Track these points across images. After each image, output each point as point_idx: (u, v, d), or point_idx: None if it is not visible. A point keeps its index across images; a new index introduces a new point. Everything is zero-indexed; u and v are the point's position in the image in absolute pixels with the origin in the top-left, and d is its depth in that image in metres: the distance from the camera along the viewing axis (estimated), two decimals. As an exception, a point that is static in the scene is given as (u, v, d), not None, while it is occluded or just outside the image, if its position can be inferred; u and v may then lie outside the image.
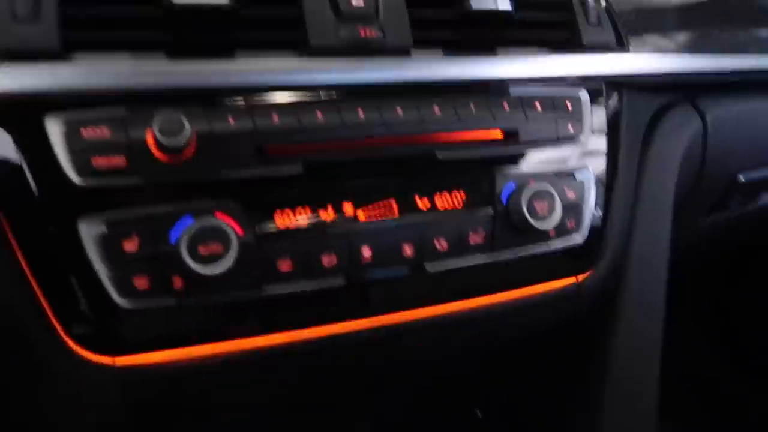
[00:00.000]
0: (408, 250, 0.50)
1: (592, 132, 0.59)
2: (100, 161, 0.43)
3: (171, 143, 0.42)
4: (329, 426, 0.75)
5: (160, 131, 0.42)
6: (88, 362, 0.45)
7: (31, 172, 0.42)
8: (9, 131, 0.42)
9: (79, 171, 0.42)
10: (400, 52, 0.52)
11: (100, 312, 0.44)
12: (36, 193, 0.43)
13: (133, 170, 0.43)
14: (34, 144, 0.42)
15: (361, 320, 0.50)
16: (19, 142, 0.42)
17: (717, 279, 1.38)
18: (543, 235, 0.54)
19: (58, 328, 0.45)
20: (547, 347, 0.70)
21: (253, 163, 0.46)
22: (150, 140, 0.43)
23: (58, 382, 0.46)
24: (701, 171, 0.74)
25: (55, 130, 0.42)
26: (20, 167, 0.42)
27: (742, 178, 0.82)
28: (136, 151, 0.43)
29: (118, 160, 0.43)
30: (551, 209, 0.52)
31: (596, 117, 0.60)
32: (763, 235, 1.12)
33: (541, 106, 0.56)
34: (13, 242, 0.43)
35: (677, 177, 0.68)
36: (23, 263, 0.43)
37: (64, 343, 0.45)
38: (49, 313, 0.44)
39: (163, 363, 0.46)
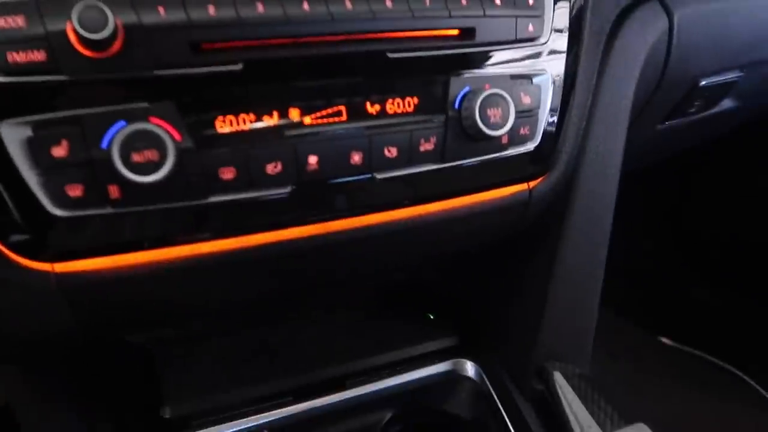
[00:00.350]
0: (356, 158, 0.48)
1: (554, 32, 0.56)
2: (17, 56, 0.39)
3: (93, 36, 0.38)
4: (272, 339, 0.77)
5: (80, 23, 0.38)
6: (27, 269, 0.44)
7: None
8: None
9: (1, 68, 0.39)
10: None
11: (35, 221, 0.42)
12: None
13: (55, 66, 0.40)
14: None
15: (309, 227, 0.50)
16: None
17: (668, 181, 1.42)
18: (495, 143, 0.53)
19: (-9, 234, 0.43)
20: (497, 250, 0.72)
21: (188, 60, 0.43)
22: (71, 33, 0.39)
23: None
24: (663, 75, 0.72)
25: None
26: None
27: (704, 82, 0.81)
28: (57, 45, 0.39)
29: (38, 55, 0.39)
30: (505, 116, 0.51)
31: (559, 15, 0.57)
32: (715, 137, 1.14)
33: (501, 2, 0.53)
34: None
35: (638, 81, 0.67)
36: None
37: (1, 251, 0.43)
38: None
39: (103, 269, 0.46)
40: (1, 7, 0.38)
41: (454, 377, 0.75)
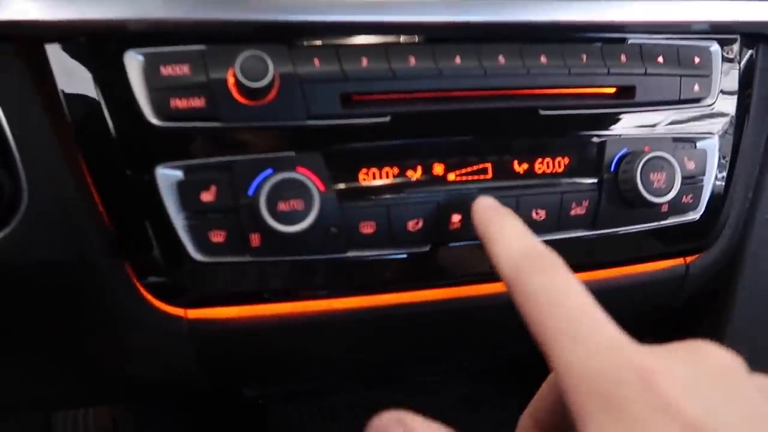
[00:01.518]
0: (502, 218, 0.45)
1: (721, 93, 0.51)
2: (178, 102, 0.40)
3: (253, 85, 0.39)
4: (398, 396, 0.73)
5: (242, 72, 0.38)
6: (161, 312, 0.44)
7: (110, 112, 0.40)
8: (89, 67, 0.40)
9: (158, 112, 0.40)
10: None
11: (175, 264, 0.42)
12: (114, 135, 0.40)
13: (213, 113, 0.40)
14: (112, 81, 0.40)
15: (447, 289, 0.47)
16: (98, 80, 0.40)
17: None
18: (654, 211, 0.48)
19: (133, 276, 0.43)
20: (643, 333, 0.64)
21: (338, 112, 0.42)
22: (231, 81, 0.40)
23: (131, 330, 0.45)
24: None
25: (134, 66, 0.39)
26: (99, 107, 0.40)
27: None
28: (217, 93, 0.40)
29: (198, 102, 0.40)
30: (669, 181, 0.46)
31: (727, 76, 0.52)
32: None
33: (664, 59, 0.48)
34: (92, 186, 0.41)
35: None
36: (101, 208, 0.42)
37: (138, 292, 0.44)
38: (125, 262, 0.43)
39: (235, 318, 0.44)
40: (169, 56, 0.40)
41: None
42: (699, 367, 0.24)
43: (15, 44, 0.39)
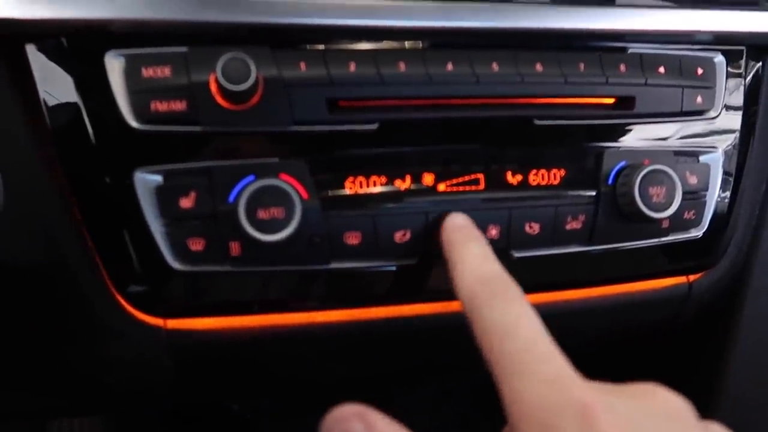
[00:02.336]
0: (493, 232, 0.43)
1: (725, 107, 0.49)
2: (159, 105, 0.39)
3: (234, 88, 0.37)
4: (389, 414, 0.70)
5: (224, 74, 0.37)
6: (140, 322, 0.43)
7: (89, 113, 0.39)
8: (69, 68, 0.39)
9: (137, 114, 0.39)
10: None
11: (152, 272, 0.40)
12: (93, 138, 0.39)
13: (194, 117, 0.39)
14: (92, 82, 0.39)
15: (433, 304, 0.45)
16: (77, 80, 0.39)
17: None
18: (654, 227, 0.46)
19: (110, 284, 0.42)
20: (643, 354, 0.62)
21: (323, 116, 0.41)
22: (213, 84, 0.38)
23: (109, 339, 0.44)
24: None
25: (114, 66, 0.38)
26: (78, 110, 0.39)
27: None
28: (198, 96, 0.39)
29: (179, 105, 0.39)
30: (669, 196, 0.44)
31: (731, 88, 0.50)
32: None
33: (665, 70, 0.47)
34: (69, 190, 0.40)
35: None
36: (78, 214, 0.40)
37: (116, 301, 0.42)
38: (102, 269, 0.41)
39: (214, 329, 0.43)
40: (151, 58, 0.39)
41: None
42: (644, 408, 0.24)
43: (-7, 43, 0.38)
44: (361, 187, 0.42)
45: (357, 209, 0.41)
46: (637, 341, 0.60)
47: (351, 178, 0.42)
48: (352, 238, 0.41)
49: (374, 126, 0.42)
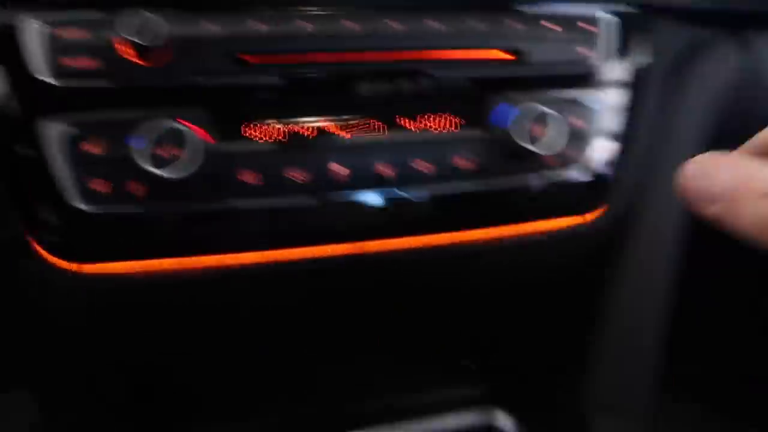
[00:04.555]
0: (390, 171, 0.46)
1: (611, 58, 0.53)
2: (72, 62, 0.41)
3: (144, 45, 0.40)
4: (289, 353, 0.73)
5: (134, 32, 0.40)
6: (54, 267, 0.44)
7: (5, 71, 0.41)
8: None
9: (49, 69, 0.41)
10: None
11: (62, 215, 0.42)
12: (3, 88, 0.41)
13: (104, 72, 0.42)
14: (6, 39, 0.41)
15: (336, 245, 0.48)
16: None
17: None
18: (543, 163, 0.50)
19: (24, 230, 0.44)
20: (542, 289, 0.66)
21: (228, 70, 0.43)
22: (123, 41, 0.41)
23: (26, 285, 0.46)
24: (743, 113, 0.66)
25: (29, 25, 0.41)
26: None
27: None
28: (108, 53, 0.41)
29: (91, 62, 0.41)
30: (555, 136, 0.47)
31: (619, 43, 0.54)
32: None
33: (551, 24, 0.50)
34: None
35: (713, 117, 0.62)
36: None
37: (31, 247, 0.44)
38: (17, 216, 0.43)
39: (126, 273, 0.45)
40: (63, 17, 0.41)
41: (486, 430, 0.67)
42: None
43: None
44: (263, 132, 0.44)
45: (258, 152, 0.44)
46: (544, 276, 0.64)
47: (253, 124, 0.44)
48: (252, 177, 0.44)
49: (277, 79, 0.44)
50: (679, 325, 0.66)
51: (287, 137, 0.45)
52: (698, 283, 0.70)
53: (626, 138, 0.55)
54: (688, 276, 0.64)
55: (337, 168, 0.45)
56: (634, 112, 0.55)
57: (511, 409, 0.68)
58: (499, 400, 0.70)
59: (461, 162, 0.48)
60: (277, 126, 0.44)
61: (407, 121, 0.47)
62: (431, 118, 0.48)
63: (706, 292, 0.79)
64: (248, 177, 0.43)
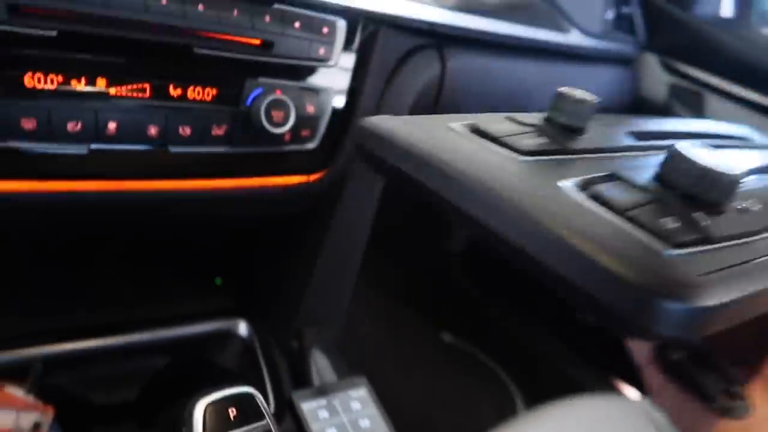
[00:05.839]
0: (153, 131, 0.57)
1: (343, 58, 0.70)
2: None
3: None
4: (50, 278, 0.81)
5: None
6: None
7: None
8: None
9: None
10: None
11: None
12: None
13: None
14: None
15: (101, 182, 0.57)
16: None
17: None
18: (278, 138, 0.65)
19: None
20: (278, 228, 0.84)
21: (5, 20, 0.48)
22: None
23: None
24: (434, 110, 0.90)
25: None
26: None
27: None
28: None
29: None
30: (286, 118, 0.63)
31: (349, 45, 0.70)
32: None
33: (300, 25, 0.65)
34: None
35: (413, 102, 0.84)
36: None
37: None
38: None
39: None
40: None
41: (228, 334, 0.86)
42: None
43: None
44: (39, 82, 0.51)
45: (34, 100, 0.51)
46: (277, 219, 0.82)
47: (30, 74, 0.51)
48: (29, 124, 0.51)
49: (53, 32, 0.51)
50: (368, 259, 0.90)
51: (65, 90, 0.52)
52: (387, 226, 0.95)
53: (346, 119, 0.73)
54: (379, 219, 0.88)
55: (110, 123, 0.54)
56: (354, 98, 0.74)
57: (248, 320, 0.86)
58: (241, 314, 0.88)
59: (214, 129, 0.61)
60: (57, 80, 0.52)
61: (172, 87, 0.58)
62: (193, 89, 0.59)
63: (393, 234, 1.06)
64: (25, 123, 0.50)
